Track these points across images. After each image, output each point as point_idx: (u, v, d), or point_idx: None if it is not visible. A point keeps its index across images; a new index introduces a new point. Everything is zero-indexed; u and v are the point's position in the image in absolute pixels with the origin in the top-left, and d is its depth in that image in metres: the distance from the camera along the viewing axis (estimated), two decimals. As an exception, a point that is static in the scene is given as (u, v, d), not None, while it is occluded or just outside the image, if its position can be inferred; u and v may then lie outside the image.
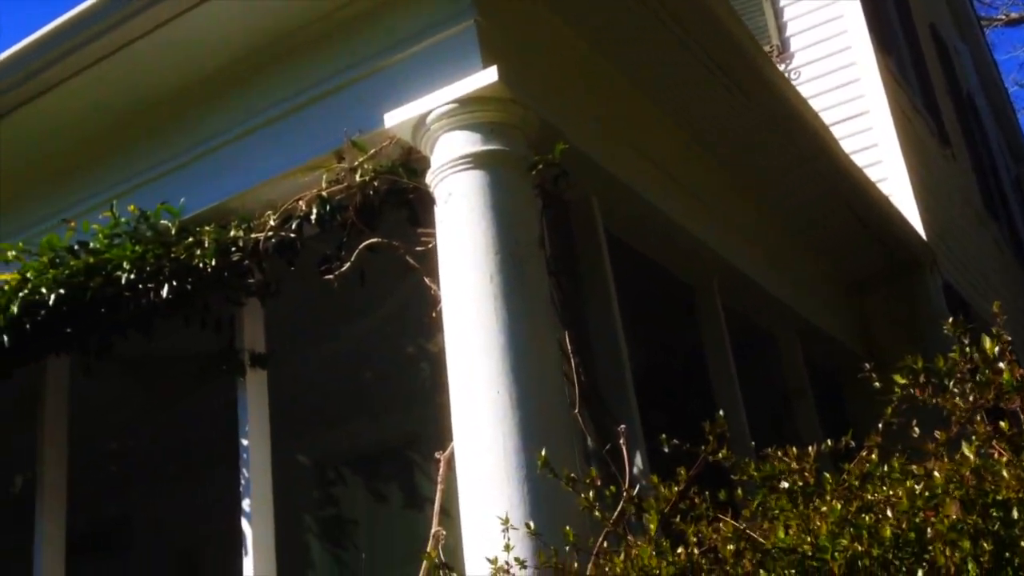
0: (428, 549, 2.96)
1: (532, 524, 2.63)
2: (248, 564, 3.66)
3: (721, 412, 2.02)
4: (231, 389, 3.88)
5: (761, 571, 1.53)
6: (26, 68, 3.91)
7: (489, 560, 2.25)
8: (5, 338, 3.83)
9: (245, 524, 3.71)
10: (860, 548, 1.49)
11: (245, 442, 3.82)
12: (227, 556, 4.00)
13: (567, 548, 2.09)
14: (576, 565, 1.98)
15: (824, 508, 1.59)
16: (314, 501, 3.96)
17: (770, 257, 5.47)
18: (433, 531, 2.98)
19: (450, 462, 3.14)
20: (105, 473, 4.69)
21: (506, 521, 2.36)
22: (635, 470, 3.19)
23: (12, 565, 4.75)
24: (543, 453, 2.70)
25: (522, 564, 2.15)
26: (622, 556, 1.78)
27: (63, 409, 4.48)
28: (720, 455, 1.93)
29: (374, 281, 3.59)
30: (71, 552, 4.21)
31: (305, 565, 3.89)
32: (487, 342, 2.96)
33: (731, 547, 1.62)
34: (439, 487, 3.10)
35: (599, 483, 2.33)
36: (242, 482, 3.77)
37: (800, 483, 1.67)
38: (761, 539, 1.59)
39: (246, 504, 3.74)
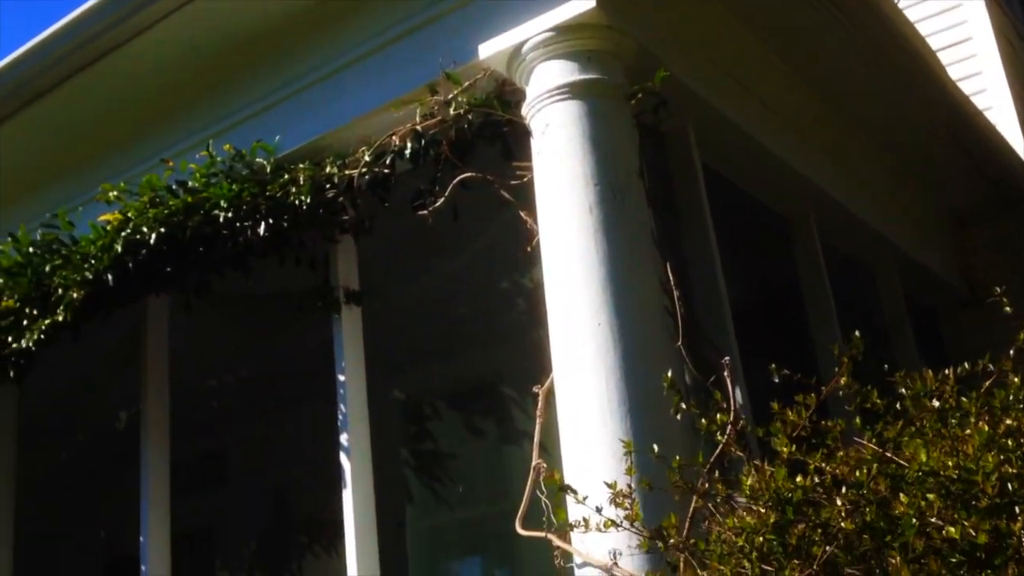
0: (528, 482, 2.96)
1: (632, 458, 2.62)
2: (347, 496, 3.72)
3: (857, 333, 1.96)
4: (326, 326, 3.92)
5: (901, 495, 1.48)
6: (117, 12, 3.94)
7: (608, 484, 2.24)
8: (109, 277, 3.92)
9: (343, 458, 3.77)
10: (1011, 470, 1.43)
11: (341, 377, 3.87)
12: (322, 491, 4.09)
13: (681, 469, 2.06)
14: (706, 485, 1.95)
15: (968, 431, 1.53)
16: (410, 435, 4.01)
17: (870, 189, 5.29)
18: (533, 464, 2.97)
19: (548, 395, 3.12)
20: (204, 409, 4.81)
21: (629, 446, 2.34)
22: (736, 403, 3.13)
23: (121, 497, 4.94)
24: (649, 382, 2.68)
25: (649, 485, 2.12)
26: (749, 479, 1.74)
27: (164, 347, 4.59)
28: (842, 381, 1.87)
29: (467, 217, 3.57)
30: (173, 485, 4.35)
31: (402, 498, 3.95)
32: (587, 274, 2.92)
33: (865, 470, 1.57)
34: (538, 420, 3.09)
35: (704, 413, 2.30)
36: (339, 417, 3.83)
37: (948, 404, 1.61)
38: (902, 461, 1.54)
39: (343, 438, 3.79)
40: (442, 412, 3.94)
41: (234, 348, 4.72)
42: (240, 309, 4.48)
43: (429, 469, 3.90)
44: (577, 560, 2.69)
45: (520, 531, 2.90)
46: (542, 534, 2.79)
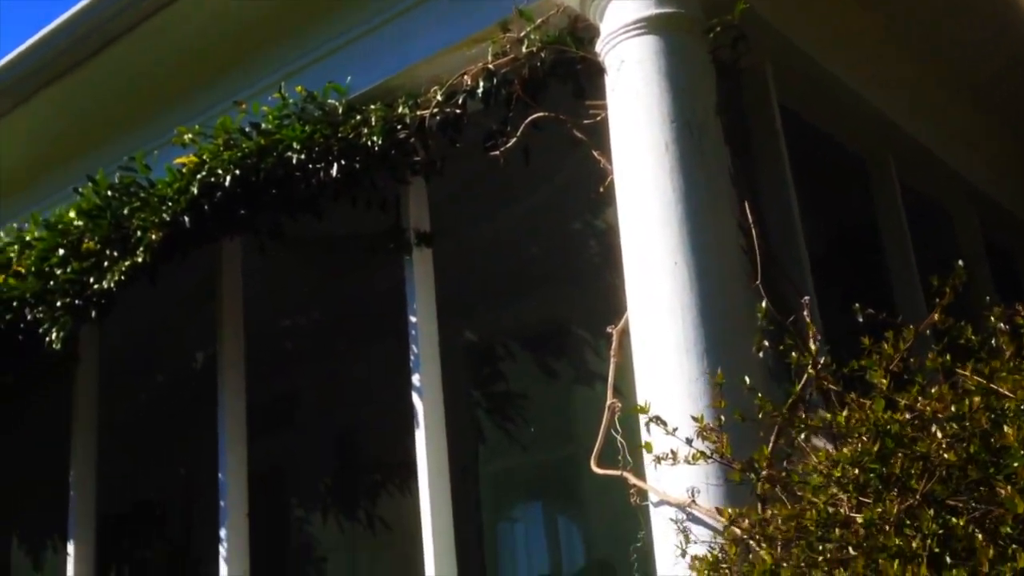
0: (603, 421, 2.97)
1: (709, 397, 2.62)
2: (419, 437, 3.77)
3: (960, 262, 1.91)
4: (398, 267, 3.95)
5: (1004, 427, 1.45)
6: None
7: (695, 418, 2.24)
8: (185, 219, 3.98)
9: (415, 398, 3.82)
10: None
11: (413, 319, 3.90)
12: (393, 432, 4.15)
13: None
14: (804, 414, 1.94)
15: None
16: (481, 377, 4.03)
17: (949, 128, 5.14)
18: (608, 403, 2.98)
19: (622, 336, 3.12)
20: (276, 351, 4.88)
21: (720, 378, 2.34)
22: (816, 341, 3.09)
23: (198, 436, 5.06)
24: (727, 320, 2.66)
25: (742, 416, 2.11)
26: (844, 412, 1.72)
27: (238, 289, 4.67)
28: (935, 317, 1.83)
29: (538, 157, 3.55)
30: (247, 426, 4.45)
31: (474, 439, 3.99)
32: (664, 213, 2.89)
33: (967, 402, 1.54)
34: (612, 360, 3.09)
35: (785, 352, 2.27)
36: (411, 358, 3.86)
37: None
38: (1007, 392, 1.51)
39: (415, 379, 3.83)
40: (513, 353, 3.95)
41: (306, 290, 4.77)
42: (312, 251, 4.53)
43: (500, 410, 3.92)
44: (653, 498, 2.69)
45: (596, 469, 2.92)
46: (617, 472, 2.81)
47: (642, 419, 2.46)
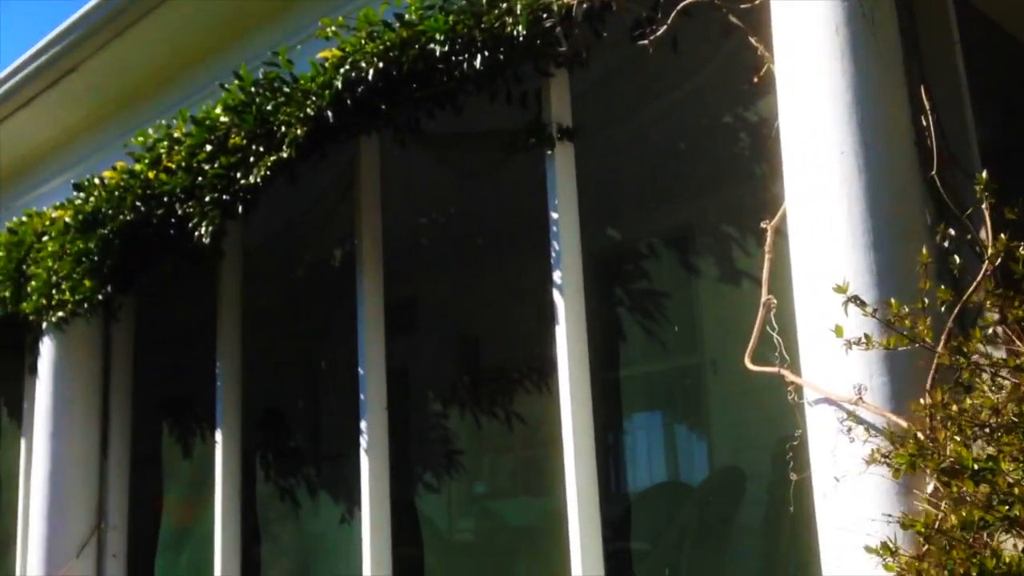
0: (758, 318, 2.87)
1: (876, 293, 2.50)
2: (560, 333, 3.75)
3: None
4: (537, 164, 3.88)
5: None
6: None
7: (888, 303, 2.13)
8: (329, 113, 3.99)
9: (556, 296, 3.78)
10: None
11: (554, 215, 3.84)
12: (533, 331, 4.14)
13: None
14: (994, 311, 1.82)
15: None
16: (624, 276, 3.96)
17: None
18: (763, 300, 2.88)
19: (777, 231, 2.99)
20: (413, 249, 4.91)
21: (925, 257, 2.27)
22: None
23: (337, 331, 5.18)
24: (895, 213, 2.51)
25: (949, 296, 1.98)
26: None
27: (375, 186, 4.70)
28: None
29: (687, 47, 3.40)
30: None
31: (616, 336, 3.94)
32: (831, 99, 2.73)
33: None
34: (767, 256, 2.97)
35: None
36: (552, 255, 3.82)
37: None
38: None
39: (556, 276, 3.79)
40: (657, 252, 3.86)
41: (443, 189, 4.77)
42: (449, 149, 4.50)
43: (646, 309, 3.86)
44: (811, 396, 2.60)
45: (750, 367, 2.84)
46: (774, 369, 2.72)
47: (831, 301, 2.36)
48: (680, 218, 3.81)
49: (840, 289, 2.32)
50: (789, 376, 2.63)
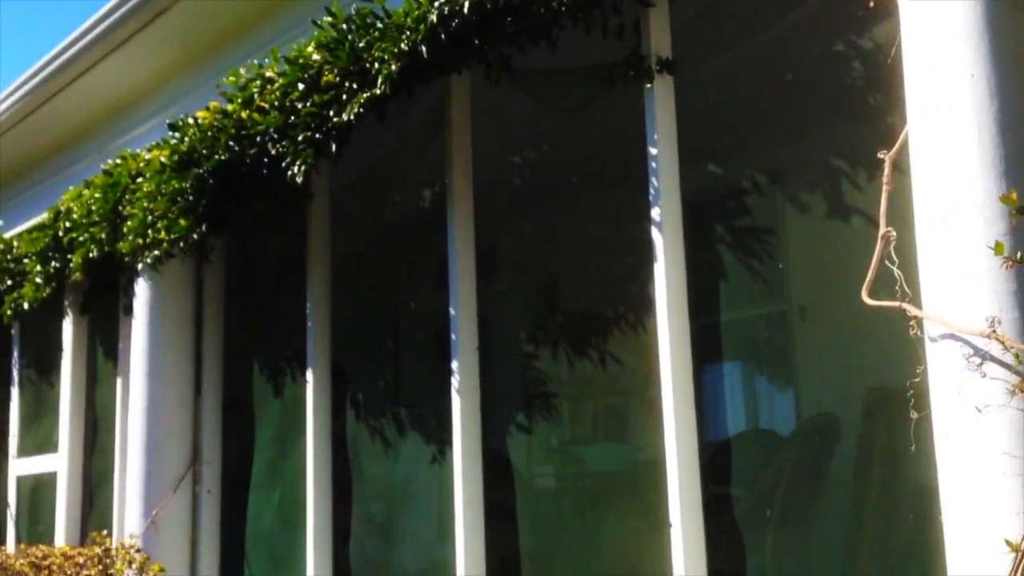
0: (876, 251, 2.76)
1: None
2: (659, 272, 3.67)
3: None
4: (633, 101, 3.78)
5: None
6: None
7: None
8: (423, 48, 3.92)
9: (655, 233, 3.70)
10: None
11: (653, 150, 3.75)
12: (629, 270, 4.07)
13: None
14: None
15: None
16: (726, 211, 3.85)
17: None
18: (882, 232, 2.76)
19: (895, 162, 2.86)
20: (505, 188, 4.84)
21: None
22: None
23: (425, 272, 5.17)
24: None
25: None
26: None
27: (467, 125, 4.64)
28: None
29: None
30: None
31: (715, 274, 3.84)
32: (962, 18, 2.58)
33: None
34: (885, 188, 2.84)
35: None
36: (650, 191, 3.73)
37: None
38: None
39: (654, 213, 3.71)
40: (762, 187, 3.74)
41: (534, 127, 4.68)
42: (543, 85, 4.40)
43: (747, 246, 3.74)
44: (934, 331, 2.49)
45: (868, 301, 2.73)
46: (895, 303, 2.61)
47: (959, 231, 2.25)
48: (787, 150, 3.67)
49: (1008, 200, 2.19)
50: (912, 310, 2.52)
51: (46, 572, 3.96)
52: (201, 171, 4.77)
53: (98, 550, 4.23)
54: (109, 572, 4.08)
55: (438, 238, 4.65)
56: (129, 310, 6.45)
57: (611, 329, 4.19)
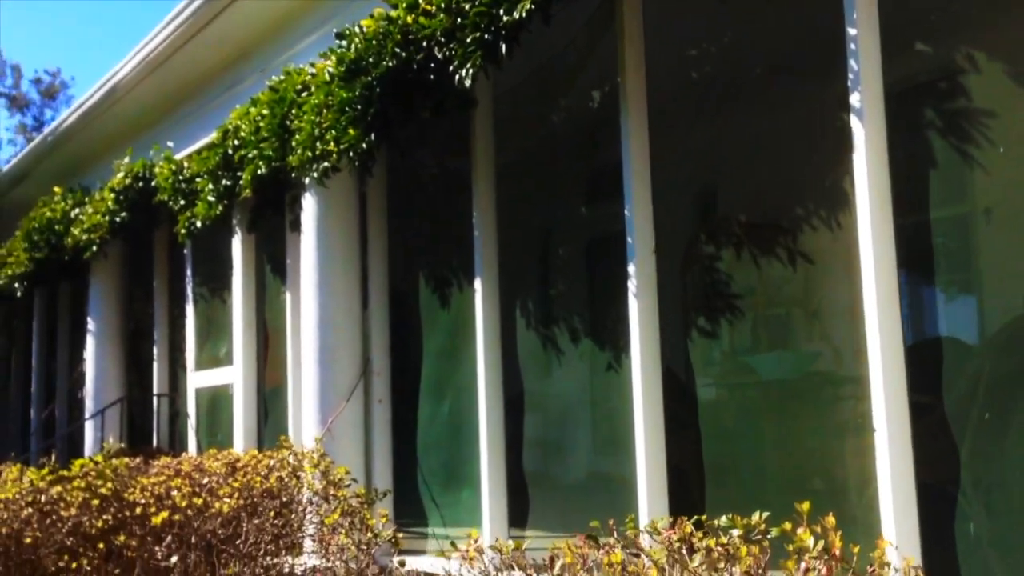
0: None
1: None
2: (859, 162, 3.44)
3: None
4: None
5: None
6: None
7: None
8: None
9: (854, 121, 3.46)
10: None
11: (852, 31, 3.48)
12: (825, 160, 3.82)
13: None
14: None
15: None
16: (936, 97, 3.54)
17: None
18: None
19: None
20: (683, 81, 4.60)
21: None
22: None
23: (595, 173, 5.03)
24: None
25: None
26: None
27: (639, 17, 4.44)
28: None
29: None
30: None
31: (924, 171, 3.56)
32: None
33: None
34: None
35: None
36: (849, 76, 3.48)
37: None
38: None
39: (854, 99, 3.46)
40: (978, 66, 3.41)
41: (712, 16, 4.42)
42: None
43: (957, 132, 3.44)
44: None
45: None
46: None
47: None
48: (1001, 34, 3.33)
49: None
50: None
51: (241, 472, 4.09)
52: (369, 79, 4.73)
53: (287, 452, 4.35)
54: (297, 474, 4.19)
55: (609, 139, 4.49)
56: (296, 226, 6.58)
57: (801, 228, 3.96)
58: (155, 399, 9.02)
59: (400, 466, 5.92)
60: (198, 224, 7.09)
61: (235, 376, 7.51)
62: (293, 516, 3.85)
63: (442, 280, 5.84)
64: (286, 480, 4.12)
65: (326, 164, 5.12)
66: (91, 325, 9.50)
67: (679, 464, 4.24)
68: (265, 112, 5.94)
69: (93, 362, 9.38)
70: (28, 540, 3.68)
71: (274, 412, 7.36)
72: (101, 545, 3.65)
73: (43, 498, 3.89)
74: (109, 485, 3.89)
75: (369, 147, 4.85)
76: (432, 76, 4.60)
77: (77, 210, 9.15)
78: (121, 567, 3.54)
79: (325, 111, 5.13)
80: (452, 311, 5.71)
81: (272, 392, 7.39)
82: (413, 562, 4.06)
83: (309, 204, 6.05)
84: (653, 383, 4.24)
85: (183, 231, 7.30)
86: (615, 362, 4.62)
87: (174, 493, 3.71)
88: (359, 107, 4.84)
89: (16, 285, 10.08)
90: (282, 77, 5.97)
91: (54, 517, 3.83)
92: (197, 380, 8.26)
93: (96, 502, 3.79)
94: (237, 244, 7.51)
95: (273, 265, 7.43)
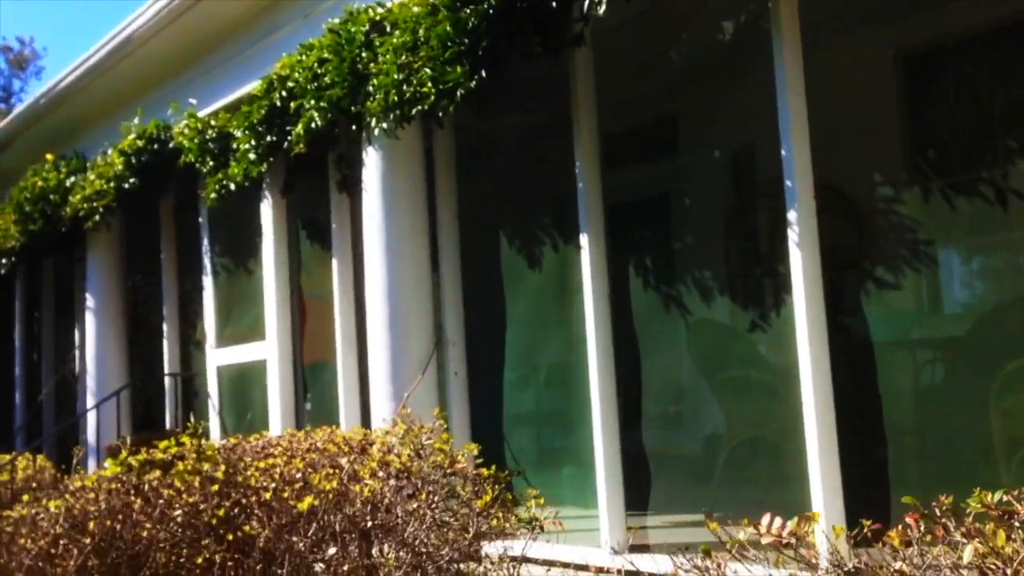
0: None
1: None
2: None
3: None
4: None
5: None
6: None
7: None
8: None
9: None
10: None
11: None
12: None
13: None
14: None
15: None
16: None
17: None
18: None
19: None
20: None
21: None
22: None
23: (713, 120, 4.58)
24: None
25: None
26: None
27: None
28: None
29: None
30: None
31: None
32: None
33: None
34: None
35: None
36: None
37: None
38: None
39: None
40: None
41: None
42: None
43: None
44: None
45: None
46: None
47: None
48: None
49: None
50: None
51: (375, 449, 3.58)
52: (484, 6, 4.20)
53: (402, 427, 3.83)
54: (419, 452, 3.68)
55: (748, 71, 4.04)
56: (344, 186, 6.03)
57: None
58: (166, 379, 8.37)
59: (481, 442, 5.41)
60: (232, 187, 6.48)
61: (269, 352, 6.91)
62: (437, 499, 3.36)
63: (529, 239, 5.34)
64: (412, 459, 3.62)
65: (422, 107, 4.57)
66: (90, 302, 8.80)
67: (854, 435, 3.81)
68: (329, 56, 5.36)
69: (94, 342, 8.70)
70: (143, 532, 3.13)
71: (315, 389, 6.81)
72: (230, 536, 3.11)
73: (146, 486, 3.34)
74: (223, 467, 3.35)
75: (480, 85, 4.32)
76: (555, 2, 4.10)
77: (74, 178, 8.44)
78: (259, 560, 3.02)
79: (417, 49, 4.59)
80: (543, 272, 5.21)
81: (312, 368, 6.83)
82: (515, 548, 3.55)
83: (372, 160, 5.49)
84: (819, 339, 3.79)
85: (212, 195, 6.68)
86: (764, 318, 4.18)
87: (311, 475, 3.19)
88: (467, 41, 4.31)
89: (3, 261, 9.33)
90: (345, 17, 5.40)
91: (161, 503, 3.29)
92: (218, 358, 7.63)
93: (215, 488, 3.25)
94: (267, 209, 6.89)
95: (311, 230, 6.87)
